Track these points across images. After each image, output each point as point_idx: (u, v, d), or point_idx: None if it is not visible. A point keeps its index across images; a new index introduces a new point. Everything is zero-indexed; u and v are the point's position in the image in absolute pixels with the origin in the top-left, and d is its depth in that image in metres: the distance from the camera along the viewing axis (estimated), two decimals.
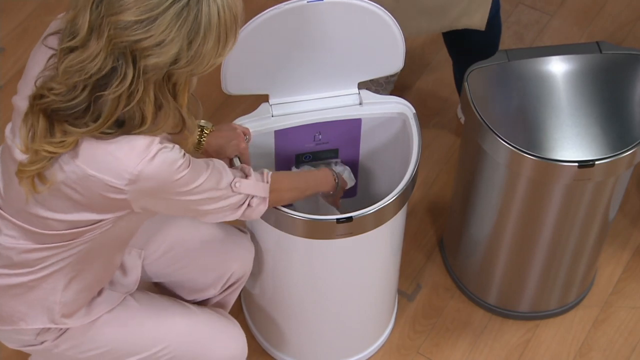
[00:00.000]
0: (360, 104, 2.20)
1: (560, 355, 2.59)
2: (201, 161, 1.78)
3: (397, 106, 2.21)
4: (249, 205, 1.89)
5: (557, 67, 2.26)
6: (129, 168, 1.65)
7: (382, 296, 2.43)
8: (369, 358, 2.57)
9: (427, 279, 2.72)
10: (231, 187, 1.83)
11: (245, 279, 2.26)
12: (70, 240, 1.80)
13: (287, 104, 2.17)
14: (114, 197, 1.69)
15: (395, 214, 2.13)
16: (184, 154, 1.71)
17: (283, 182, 2.00)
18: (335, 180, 2.15)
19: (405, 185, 2.08)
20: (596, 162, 2.13)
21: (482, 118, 2.18)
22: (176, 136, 1.73)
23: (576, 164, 2.13)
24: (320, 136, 2.23)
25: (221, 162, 1.85)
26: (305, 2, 1.96)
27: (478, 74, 2.25)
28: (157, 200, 1.74)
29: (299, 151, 2.27)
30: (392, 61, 2.15)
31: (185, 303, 2.15)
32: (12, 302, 1.91)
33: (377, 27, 2.05)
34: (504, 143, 2.15)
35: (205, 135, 2.05)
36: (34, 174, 1.67)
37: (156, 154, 1.66)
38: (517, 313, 2.63)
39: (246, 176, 1.88)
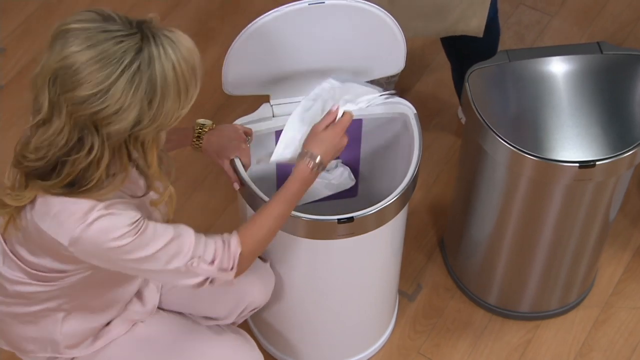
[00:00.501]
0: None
1: (560, 355, 2.59)
2: (162, 229, 1.76)
3: (398, 107, 2.21)
4: (210, 282, 1.86)
5: (558, 67, 2.26)
6: (68, 232, 1.69)
7: (382, 296, 2.43)
8: (370, 358, 2.57)
9: (428, 279, 2.72)
10: (186, 266, 1.80)
11: (262, 306, 2.25)
12: (54, 281, 1.84)
13: (288, 104, 2.17)
14: (65, 253, 1.73)
15: (396, 214, 2.13)
16: (137, 221, 1.71)
17: (254, 247, 1.89)
18: (312, 168, 1.93)
19: (406, 185, 2.08)
20: (597, 163, 2.13)
21: (482, 118, 2.18)
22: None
23: (577, 164, 2.13)
24: None
25: (190, 232, 1.80)
26: (307, 4, 1.96)
27: (479, 75, 2.25)
28: (105, 262, 1.76)
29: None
30: (394, 61, 2.15)
31: (190, 319, 2.15)
32: (22, 330, 1.96)
33: (378, 27, 2.05)
34: (504, 143, 2.15)
35: (204, 132, 2.05)
36: (9, 217, 1.75)
37: (95, 220, 1.67)
38: (518, 313, 2.63)
39: (212, 261, 1.82)
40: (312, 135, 1.96)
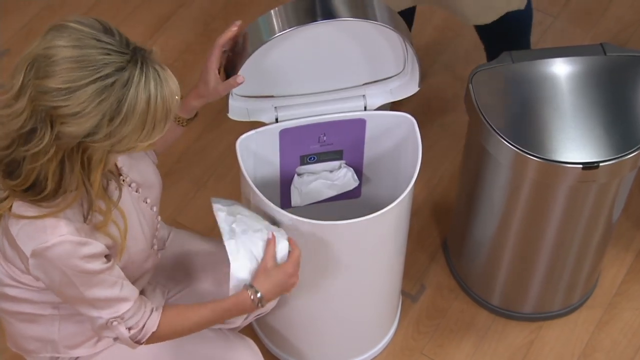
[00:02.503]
0: (365, 105, 2.21)
1: (564, 356, 2.59)
2: (113, 282, 1.78)
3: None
4: (114, 339, 1.90)
5: (561, 68, 2.26)
6: (33, 244, 1.71)
7: (386, 297, 2.44)
8: (373, 359, 2.57)
9: (431, 280, 2.72)
10: (107, 322, 1.83)
11: (268, 311, 2.24)
12: (34, 285, 1.86)
13: (292, 105, 2.18)
14: (25, 263, 1.76)
15: (399, 215, 2.13)
16: (99, 254, 1.74)
17: (168, 334, 1.91)
18: (253, 301, 1.93)
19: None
20: (600, 164, 2.13)
21: (486, 120, 2.18)
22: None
23: (580, 165, 2.13)
24: (325, 137, 2.24)
25: (133, 297, 1.83)
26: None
27: (482, 76, 2.25)
28: (52, 281, 1.78)
29: (304, 152, 2.28)
30: (394, 63, 2.16)
31: None
32: (24, 328, 1.97)
33: (379, 33, 2.06)
34: (508, 145, 2.15)
35: (187, 121, 2.05)
36: None
37: (62, 242, 1.70)
38: (521, 314, 2.63)
39: (129, 328, 1.85)
40: (262, 271, 1.95)
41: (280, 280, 1.95)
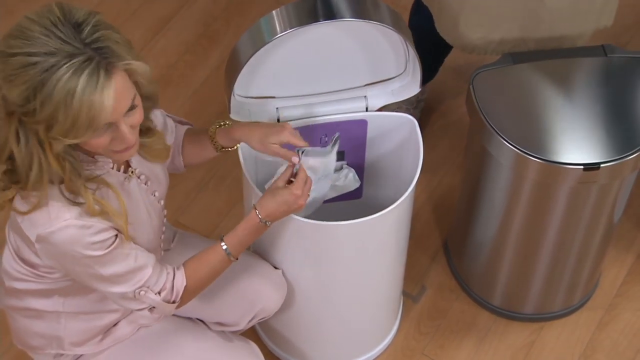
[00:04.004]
0: (367, 106, 2.21)
1: (564, 357, 2.60)
2: (126, 254, 1.79)
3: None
4: (150, 310, 1.90)
5: (562, 70, 2.26)
6: (37, 229, 1.74)
7: (387, 297, 2.44)
8: (374, 359, 2.58)
9: (432, 280, 2.73)
10: (134, 293, 1.84)
11: (272, 314, 2.26)
12: (44, 278, 1.88)
13: (293, 106, 2.18)
14: (33, 249, 1.78)
15: (401, 216, 2.14)
16: (107, 239, 1.75)
17: (198, 282, 1.94)
18: (261, 220, 1.95)
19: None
20: (601, 165, 2.13)
21: (487, 121, 2.18)
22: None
23: (581, 166, 2.13)
24: (326, 138, 2.24)
25: (150, 262, 1.85)
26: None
27: (483, 77, 2.25)
28: (64, 265, 1.80)
29: None
30: (396, 64, 2.17)
31: (200, 324, 2.16)
32: (29, 324, 1.98)
33: (380, 34, 2.07)
34: (509, 145, 2.16)
35: (224, 126, 2.05)
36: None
37: (66, 226, 1.71)
38: (522, 315, 2.63)
39: (159, 292, 1.87)
40: (270, 190, 1.96)
41: (286, 199, 1.94)
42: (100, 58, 1.60)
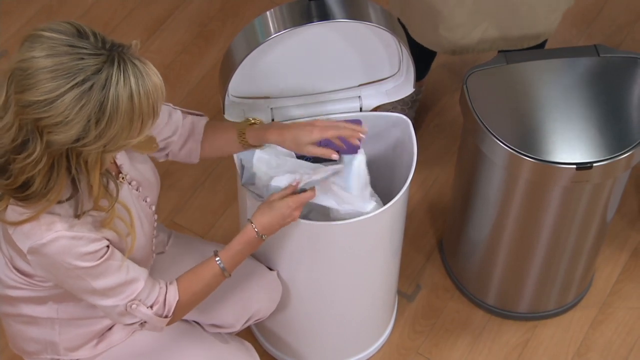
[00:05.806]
0: (361, 106, 2.22)
1: (558, 355, 2.60)
2: (118, 267, 1.79)
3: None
4: (141, 325, 1.89)
5: (555, 69, 2.27)
6: (29, 241, 1.73)
7: (382, 297, 2.45)
8: (369, 358, 2.58)
9: (427, 279, 2.73)
10: (126, 307, 1.83)
11: (267, 316, 2.26)
12: (38, 285, 1.87)
13: (287, 106, 2.19)
14: (25, 260, 1.77)
15: (395, 215, 2.14)
16: (99, 250, 1.75)
17: (191, 298, 1.93)
18: (257, 234, 1.97)
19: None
20: (594, 164, 2.14)
21: (480, 120, 2.19)
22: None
23: (574, 166, 2.14)
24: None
25: (143, 276, 1.84)
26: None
27: (477, 77, 2.26)
28: (56, 277, 1.79)
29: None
30: (389, 64, 2.18)
31: (196, 326, 2.16)
32: (25, 330, 1.98)
33: (374, 34, 2.07)
34: (502, 145, 2.16)
35: (252, 122, 2.05)
36: None
37: (58, 238, 1.71)
38: (516, 314, 2.64)
39: (151, 306, 1.86)
40: (265, 203, 1.97)
41: (282, 212, 1.95)
42: (118, 51, 1.59)
